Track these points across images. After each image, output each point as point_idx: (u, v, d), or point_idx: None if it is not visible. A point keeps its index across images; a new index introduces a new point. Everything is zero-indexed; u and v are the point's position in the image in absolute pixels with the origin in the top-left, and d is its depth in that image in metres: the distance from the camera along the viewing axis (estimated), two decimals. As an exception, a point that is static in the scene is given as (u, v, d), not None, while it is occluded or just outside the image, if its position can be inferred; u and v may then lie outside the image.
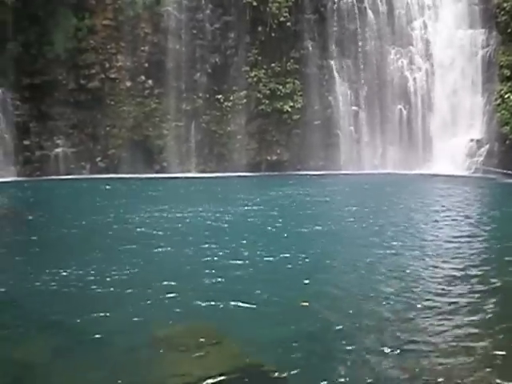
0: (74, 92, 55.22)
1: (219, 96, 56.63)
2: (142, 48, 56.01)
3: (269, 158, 57.41)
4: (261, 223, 26.83)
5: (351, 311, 13.48)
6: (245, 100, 56.49)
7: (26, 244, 21.49)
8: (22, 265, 18.12)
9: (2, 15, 51.02)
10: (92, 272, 16.58)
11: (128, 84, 56.13)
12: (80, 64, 54.86)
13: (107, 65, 55.84)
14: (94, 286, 15.25)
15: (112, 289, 15.12)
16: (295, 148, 57.55)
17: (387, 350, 10.77)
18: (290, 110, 56.13)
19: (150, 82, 56.23)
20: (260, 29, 55.38)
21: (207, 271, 16.91)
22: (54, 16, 53.33)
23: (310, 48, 57.08)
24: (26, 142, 53.56)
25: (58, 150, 54.90)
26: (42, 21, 53.02)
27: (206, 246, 20.60)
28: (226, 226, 26.14)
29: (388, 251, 20.09)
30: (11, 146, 52.37)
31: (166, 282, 15.67)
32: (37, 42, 53.29)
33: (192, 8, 56.25)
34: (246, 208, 31.44)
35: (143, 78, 56.18)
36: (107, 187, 44.46)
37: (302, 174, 54.93)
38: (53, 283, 15.44)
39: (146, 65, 56.09)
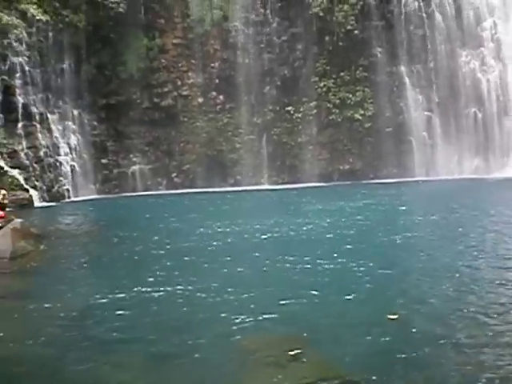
0: (148, 110, 52.65)
1: (289, 108, 52.71)
2: (212, 64, 52.93)
3: (341, 167, 52.89)
4: (340, 234, 23.06)
5: (443, 326, 11.28)
6: (315, 110, 52.26)
7: (107, 259, 19.95)
8: (105, 279, 16.91)
9: (75, 39, 49.02)
10: (178, 285, 15.09)
11: (200, 100, 53.09)
12: (153, 83, 52.36)
13: (179, 82, 53.06)
14: (180, 299, 13.92)
15: (199, 301, 13.81)
16: (367, 156, 52.72)
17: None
18: (360, 118, 51.51)
19: (221, 97, 53.01)
20: (327, 38, 51.16)
21: (292, 282, 15.36)
22: (125, 37, 50.91)
23: (379, 55, 52.26)
24: (104, 161, 51.34)
25: (135, 167, 52.42)
26: (114, 42, 50.71)
27: (288, 257, 18.32)
28: (304, 237, 22.68)
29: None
30: (90, 165, 50.10)
31: (251, 294, 14.16)
32: (110, 63, 51.09)
33: (259, 22, 52.75)
34: (323, 219, 27.35)
35: (214, 93, 53.02)
36: (186, 202, 41.29)
37: (375, 183, 49.83)
38: (140, 297, 14.21)
39: (217, 81, 52.95)
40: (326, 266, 16.68)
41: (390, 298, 13.46)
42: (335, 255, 18.15)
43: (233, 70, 52.70)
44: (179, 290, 14.61)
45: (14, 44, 45.44)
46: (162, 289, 14.67)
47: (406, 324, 11.50)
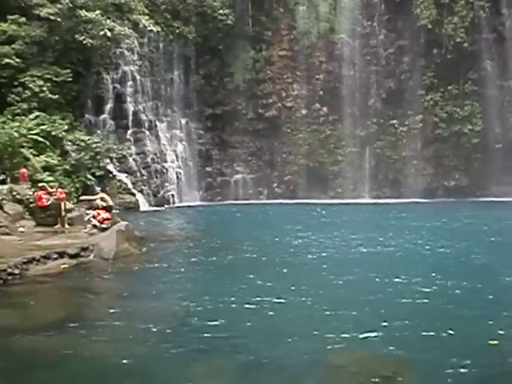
0: (253, 121, 52.46)
1: (394, 121, 50.90)
2: (317, 76, 51.98)
3: (446, 183, 50.38)
4: (438, 253, 21.16)
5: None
6: (420, 124, 50.12)
7: (205, 265, 19.22)
8: (202, 285, 16.51)
9: (185, 50, 49.66)
10: (271, 296, 14.33)
11: (303, 112, 52.31)
12: (258, 94, 52.11)
13: (284, 94, 52.53)
14: (273, 311, 13.18)
15: (292, 313, 13.09)
16: (475, 173, 49.74)
17: None
18: (468, 133, 48.81)
19: (324, 109, 51.96)
20: (435, 51, 48.98)
21: (391, 299, 14.23)
22: (232, 49, 50.99)
23: (489, 68, 49.38)
24: (209, 169, 51.63)
25: (238, 176, 52.33)
26: (222, 54, 50.86)
27: (385, 274, 16.99)
28: (401, 254, 21.06)
29: None
30: (195, 172, 50.47)
31: (346, 310, 13.17)
32: (217, 74, 51.35)
33: (365, 34, 51.30)
34: (422, 236, 25.44)
35: (318, 105, 52.08)
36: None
37: (482, 201, 46.63)
38: (234, 305, 13.61)
39: (321, 92, 51.94)
40: (424, 286, 15.15)
41: (492, 323, 12.01)
42: (433, 274, 16.63)
43: (337, 82, 51.52)
44: (272, 300, 13.91)
45: (126, 53, 46.59)
46: (255, 298, 14.01)
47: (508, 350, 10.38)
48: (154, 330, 11.78)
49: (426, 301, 13.97)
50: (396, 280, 16.19)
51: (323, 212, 39.63)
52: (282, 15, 52.42)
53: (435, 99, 49.70)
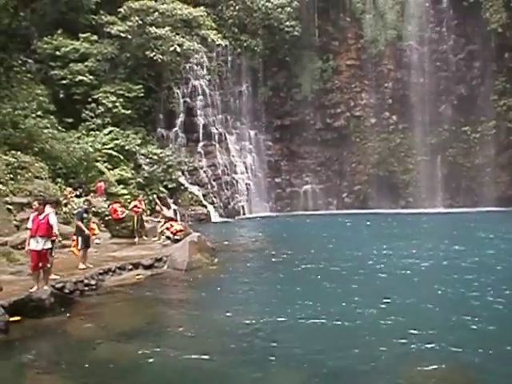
0: (321, 131, 51.85)
1: (466, 128, 49.10)
2: (386, 84, 50.88)
3: (522, 190, 48.48)
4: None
5: None
6: (494, 130, 48.09)
7: (275, 277, 18.91)
8: (272, 297, 16.00)
9: (253, 63, 49.70)
10: (337, 308, 14.15)
11: (372, 121, 51.29)
12: (326, 104, 51.49)
13: (352, 103, 51.69)
14: (346, 322, 12.88)
15: (362, 324, 12.71)
16: (552, 179, 47.73)
17: None
18: (545, 138, 46.89)
19: (394, 117, 50.77)
20: (507, 55, 47.03)
21: (461, 313, 13.41)
22: (300, 60, 50.64)
23: None
24: (278, 180, 51.33)
25: (307, 186, 51.70)
26: (290, 65, 50.57)
27: (451, 286, 16.53)
28: (473, 265, 19.90)
29: None
30: (264, 183, 50.27)
31: (417, 321, 12.82)
32: (285, 85, 51.10)
33: (434, 40, 49.83)
34: (496, 247, 24.16)
35: (387, 114, 50.91)
36: (368, 223, 39.33)
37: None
38: (303, 317, 13.27)
39: (390, 101, 50.78)
40: (498, 299, 14.51)
41: None
42: (504, 287, 15.89)
43: (407, 89, 50.23)
44: (340, 312, 13.59)
45: (196, 68, 47.12)
46: (324, 309, 13.81)
47: None
48: (228, 340, 11.69)
49: (499, 314, 13.45)
50: (461, 289, 15.80)
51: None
52: (349, 24, 51.70)
53: (508, 104, 47.73)
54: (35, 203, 15.01)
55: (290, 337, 11.87)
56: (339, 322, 12.75)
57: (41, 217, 14.38)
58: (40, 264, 14.30)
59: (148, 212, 24.61)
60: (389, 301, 14.61)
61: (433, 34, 49.93)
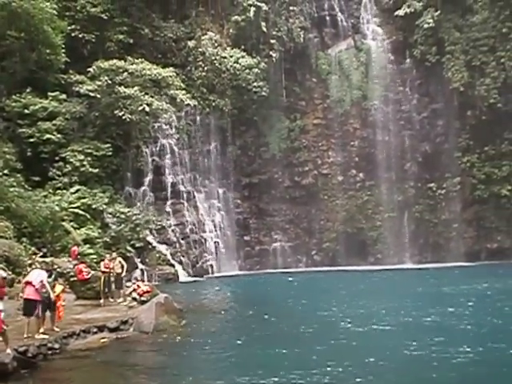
0: (290, 189, 52.32)
1: (431, 184, 50.13)
2: (352, 143, 51.90)
3: (489, 245, 49.13)
4: (486, 323, 20.19)
5: None
6: (459, 186, 49.30)
7: (244, 339, 18.62)
8: (241, 360, 15.66)
9: (221, 122, 50.28)
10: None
11: (340, 178, 52.00)
12: (294, 162, 52.19)
13: (319, 161, 52.48)
14: None
15: None
16: (517, 234, 48.60)
17: None
18: (508, 193, 47.87)
19: (360, 175, 51.60)
20: (469, 113, 48.77)
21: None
22: (268, 119, 51.49)
23: (525, 127, 48.83)
24: (247, 238, 51.21)
25: (276, 244, 51.68)
26: (258, 125, 51.35)
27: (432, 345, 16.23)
28: (445, 324, 20.05)
29: None
30: (233, 241, 50.04)
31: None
32: (253, 144, 51.67)
33: (398, 100, 51.37)
34: (464, 305, 24.26)
35: (354, 171, 51.75)
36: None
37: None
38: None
39: (357, 159, 51.72)
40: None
41: None
42: (481, 349, 15.77)
43: (372, 147, 51.32)
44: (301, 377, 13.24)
45: (164, 127, 47.49)
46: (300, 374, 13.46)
47: None
48: None
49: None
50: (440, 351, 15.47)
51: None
52: (315, 85, 53.03)
53: (472, 161, 49.19)
54: None
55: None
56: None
57: None
58: None
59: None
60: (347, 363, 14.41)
61: (397, 94, 51.45)
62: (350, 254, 49.73)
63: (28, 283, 16.19)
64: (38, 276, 16.36)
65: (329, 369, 13.74)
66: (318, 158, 52.59)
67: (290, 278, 39.58)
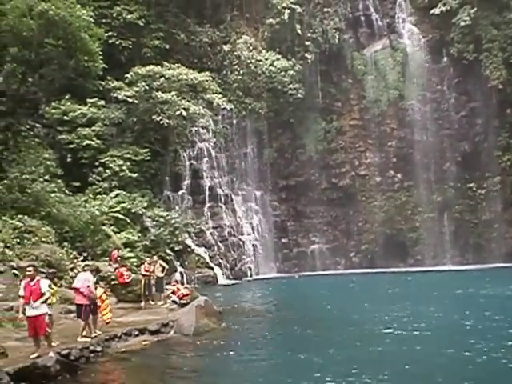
0: (327, 190, 52.01)
1: (471, 184, 49.06)
2: (389, 143, 51.26)
3: (531, 246, 48.07)
4: None
5: None
6: (499, 186, 48.08)
7: (284, 341, 18.83)
8: (282, 364, 15.52)
9: (257, 125, 50.35)
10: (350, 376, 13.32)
11: (377, 179, 51.42)
12: (331, 164, 51.88)
13: (357, 162, 52.03)
14: None
15: None
16: (560, 234, 47.37)
17: None
18: (550, 192, 46.85)
19: (399, 175, 50.91)
20: (508, 111, 47.50)
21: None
22: (304, 121, 51.32)
23: None
24: (284, 240, 51.10)
25: (314, 246, 51.43)
26: (294, 127, 51.26)
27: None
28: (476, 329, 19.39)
29: None
30: (271, 244, 50.00)
31: None
32: (290, 146, 51.61)
33: (436, 99, 50.49)
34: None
35: (392, 172, 51.09)
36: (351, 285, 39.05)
37: None
38: None
39: (394, 159, 51.06)
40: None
41: None
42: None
43: (410, 147, 50.59)
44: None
45: (201, 131, 47.79)
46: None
47: None
48: None
49: None
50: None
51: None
52: (351, 86, 52.62)
53: (512, 159, 48.04)
54: (30, 269, 14.69)
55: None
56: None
57: (32, 282, 14.22)
58: (37, 330, 13.97)
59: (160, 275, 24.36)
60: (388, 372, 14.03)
61: (434, 93, 50.64)
62: (389, 256, 49.02)
63: (75, 289, 16.51)
64: (84, 281, 16.55)
65: (364, 377, 13.41)
66: (355, 159, 52.16)
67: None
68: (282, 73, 49.45)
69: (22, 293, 14.22)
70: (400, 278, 40.00)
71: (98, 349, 15.91)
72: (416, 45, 51.74)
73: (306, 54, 50.73)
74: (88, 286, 16.42)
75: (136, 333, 18.15)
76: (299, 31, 50.83)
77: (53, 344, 14.76)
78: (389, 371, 13.75)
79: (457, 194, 49.44)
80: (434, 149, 50.02)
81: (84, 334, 16.40)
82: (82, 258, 27.93)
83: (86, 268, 18.18)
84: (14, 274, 23.15)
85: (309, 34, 51.20)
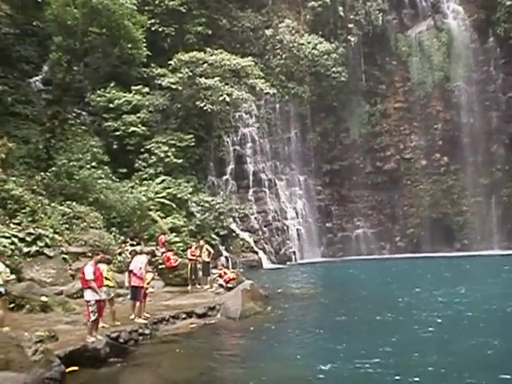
0: (371, 174, 51.44)
1: (520, 166, 48.00)
2: (435, 126, 50.23)
3: None
4: None
5: None
6: (550, 168, 46.98)
7: (328, 325, 18.57)
8: (327, 346, 15.37)
9: (300, 109, 50.02)
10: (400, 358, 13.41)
11: (423, 163, 50.52)
12: (375, 147, 51.22)
13: (401, 146, 51.19)
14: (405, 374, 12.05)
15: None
16: None
17: None
18: None
19: (445, 158, 49.90)
20: (559, 92, 46.39)
21: None
22: (347, 105, 50.79)
23: None
24: (329, 225, 50.79)
25: (359, 231, 50.99)
26: (337, 110, 50.72)
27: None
28: None
29: None
30: (315, 228, 49.73)
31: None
32: (333, 130, 51.14)
33: (482, 80, 49.17)
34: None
35: (438, 155, 50.11)
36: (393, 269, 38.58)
37: None
38: (359, 371, 12.57)
39: (440, 142, 50.05)
40: None
41: None
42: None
43: (457, 130, 49.52)
44: (397, 365, 12.86)
45: (245, 116, 47.71)
46: (382, 360, 13.11)
47: None
48: None
49: None
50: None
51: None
52: (396, 67, 51.70)
53: (562, 142, 46.59)
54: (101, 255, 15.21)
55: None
56: (398, 377, 12.10)
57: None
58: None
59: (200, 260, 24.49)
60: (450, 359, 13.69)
61: (481, 74, 49.40)
62: (435, 240, 48.27)
63: (130, 272, 16.85)
64: (139, 263, 16.82)
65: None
66: (400, 142, 51.34)
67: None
68: (325, 56, 48.90)
69: (92, 277, 14.27)
70: (447, 263, 39.39)
71: (147, 332, 16.10)
72: (461, 25, 50.48)
73: (349, 37, 50.03)
74: (140, 269, 16.62)
75: (183, 316, 18.31)
76: (342, 13, 50.11)
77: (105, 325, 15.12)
78: (435, 357, 13.53)
79: (504, 177, 48.22)
80: (480, 131, 48.77)
81: (138, 315, 16.63)
82: (135, 241, 28.18)
83: (143, 250, 18.57)
84: (63, 258, 23.55)
85: (352, 16, 50.41)
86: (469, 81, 49.40)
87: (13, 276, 16.62)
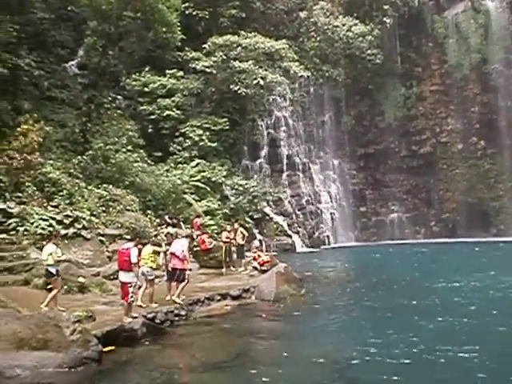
0: (407, 158, 50.82)
1: (559, 151, 46.90)
2: (472, 109, 49.24)
3: None
4: None
5: None
6: None
7: (363, 309, 18.48)
8: (360, 330, 15.32)
9: (335, 92, 49.68)
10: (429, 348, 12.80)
11: (459, 146, 49.69)
12: (411, 131, 50.56)
13: (438, 129, 50.42)
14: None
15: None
16: None
17: None
18: None
19: (482, 142, 48.96)
20: None
21: None
22: (382, 88, 50.17)
23: None
24: (363, 209, 50.51)
25: (393, 215, 50.55)
26: (372, 93, 50.22)
27: None
28: None
29: None
30: (349, 212, 49.50)
31: None
32: (368, 113, 50.67)
33: (521, 62, 48.22)
34: None
35: (475, 139, 49.18)
36: (423, 250, 37.99)
37: None
38: (395, 355, 12.39)
39: (477, 125, 49.09)
40: None
41: None
42: None
43: (494, 113, 48.44)
44: (431, 351, 12.55)
45: (279, 100, 47.50)
46: (412, 346, 12.98)
47: None
48: (319, 375, 11.32)
49: None
50: None
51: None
52: (432, 50, 50.81)
53: None
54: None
55: (383, 372, 11.21)
56: (431, 357, 11.98)
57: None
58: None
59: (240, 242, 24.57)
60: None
61: (518, 56, 48.17)
62: (471, 225, 47.43)
63: (172, 254, 16.98)
64: (180, 246, 17.01)
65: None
66: (436, 125, 50.54)
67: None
68: (360, 38, 48.35)
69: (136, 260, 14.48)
70: (483, 248, 38.69)
71: (182, 313, 16.21)
72: (499, 6, 49.28)
73: (385, 19, 49.29)
74: (182, 251, 16.78)
75: (218, 298, 18.39)
76: (377, -5, 49.42)
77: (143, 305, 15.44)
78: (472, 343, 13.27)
79: (543, 162, 47.21)
80: (520, 115, 47.73)
81: (176, 295, 16.76)
82: (173, 222, 28.39)
83: (182, 234, 18.79)
84: (100, 240, 23.84)
85: (387, -2, 49.67)
86: (507, 63, 48.23)
87: (64, 256, 16.84)
